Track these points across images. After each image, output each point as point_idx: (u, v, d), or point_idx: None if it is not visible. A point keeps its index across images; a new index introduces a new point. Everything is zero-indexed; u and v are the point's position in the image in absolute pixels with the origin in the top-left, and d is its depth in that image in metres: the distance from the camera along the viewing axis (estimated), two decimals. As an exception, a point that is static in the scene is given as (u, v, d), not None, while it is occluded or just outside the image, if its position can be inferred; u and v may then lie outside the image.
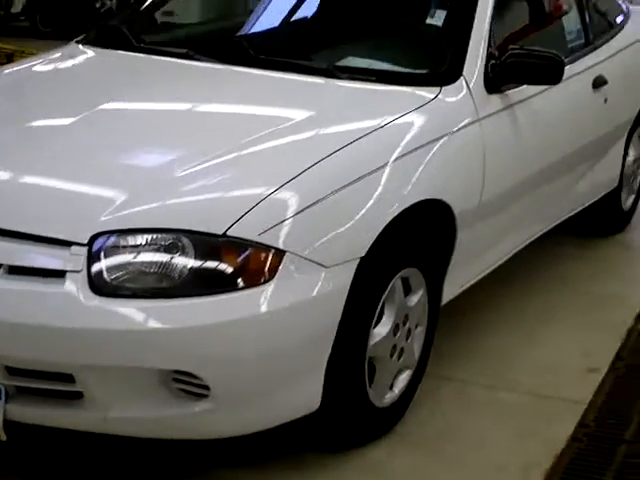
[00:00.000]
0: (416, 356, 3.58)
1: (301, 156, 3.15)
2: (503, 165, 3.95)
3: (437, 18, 3.99)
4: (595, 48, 4.99)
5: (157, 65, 4.00)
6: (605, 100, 4.93)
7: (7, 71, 4.26)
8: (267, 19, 4.77)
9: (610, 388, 3.95)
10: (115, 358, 2.74)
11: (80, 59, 4.25)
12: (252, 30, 4.68)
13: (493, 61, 3.88)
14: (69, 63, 4.25)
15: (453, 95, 3.72)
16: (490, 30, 3.97)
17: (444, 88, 3.71)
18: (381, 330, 3.29)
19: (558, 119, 4.46)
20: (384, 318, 3.32)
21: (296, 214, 2.92)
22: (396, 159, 3.32)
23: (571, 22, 4.81)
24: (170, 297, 2.75)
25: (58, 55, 4.30)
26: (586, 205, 5.23)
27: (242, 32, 4.64)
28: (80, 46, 4.31)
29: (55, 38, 9.01)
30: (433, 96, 3.65)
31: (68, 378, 2.80)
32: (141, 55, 4.06)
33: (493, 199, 3.90)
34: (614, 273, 5.30)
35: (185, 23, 6.20)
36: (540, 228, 4.70)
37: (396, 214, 3.21)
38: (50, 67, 4.25)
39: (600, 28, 5.27)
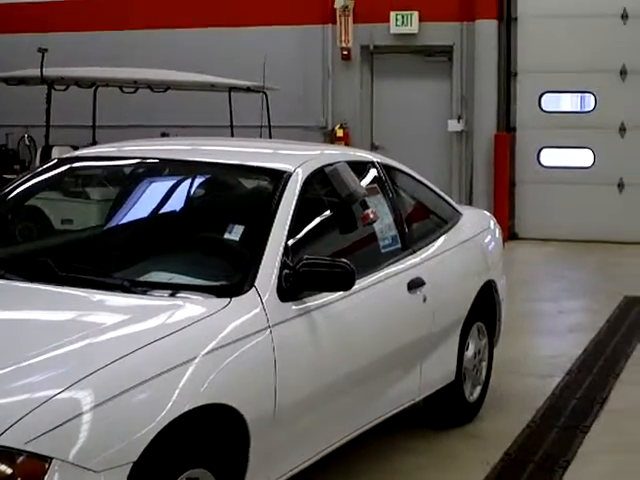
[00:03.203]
0: None
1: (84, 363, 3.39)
2: (299, 371, 4.13)
3: (235, 233, 4.31)
4: (413, 252, 5.31)
5: None
6: (424, 299, 5.21)
7: None
8: (87, 235, 5.16)
9: None
10: None
11: None
12: (72, 245, 5.03)
13: (287, 270, 4.16)
14: None
15: (243, 305, 3.99)
16: (286, 243, 4.27)
17: (234, 298, 3.98)
18: (167, 532, 3.44)
19: (365, 322, 4.68)
20: (170, 518, 3.47)
21: (69, 420, 3.16)
22: (175, 367, 3.55)
23: (385, 229, 5.13)
24: None
25: None
26: (416, 401, 5.41)
27: (63, 247, 5.00)
28: None
29: None
30: (222, 306, 3.92)
31: None
32: None
33: (292, 405, 4.07)
34: (454, 463, 5.45)
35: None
36: (356, 427, 4.78)
37: (167, 422, 3.41)
38: None
39: (423, 232, 5.65)
